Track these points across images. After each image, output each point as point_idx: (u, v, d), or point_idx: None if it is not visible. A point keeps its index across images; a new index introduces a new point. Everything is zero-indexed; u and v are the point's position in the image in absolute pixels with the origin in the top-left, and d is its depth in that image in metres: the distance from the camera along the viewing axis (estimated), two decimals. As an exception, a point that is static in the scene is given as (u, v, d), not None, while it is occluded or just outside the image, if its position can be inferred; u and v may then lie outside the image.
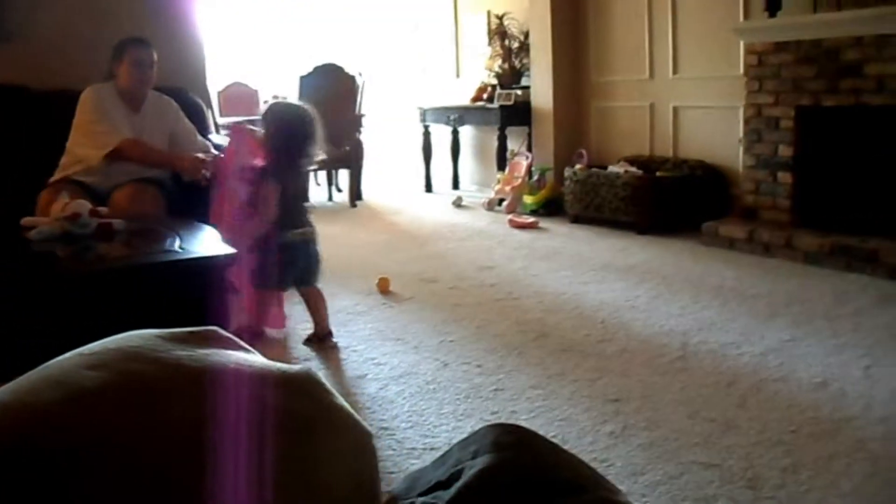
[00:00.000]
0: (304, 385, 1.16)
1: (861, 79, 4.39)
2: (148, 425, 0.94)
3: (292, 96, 6.70)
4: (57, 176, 3.63)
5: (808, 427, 2.36)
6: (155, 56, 3.73)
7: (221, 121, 5.57)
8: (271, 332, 3.39)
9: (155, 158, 3.66)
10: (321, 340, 3.27)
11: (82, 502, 0.87)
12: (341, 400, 1.15)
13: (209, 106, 4.62)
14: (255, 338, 3.16)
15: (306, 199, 3.36)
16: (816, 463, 2.14)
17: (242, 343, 1.27)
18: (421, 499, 0.93)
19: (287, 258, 3.15)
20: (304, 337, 3.32)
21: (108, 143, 3.53)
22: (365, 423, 1.17)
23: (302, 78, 6.43)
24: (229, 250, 2.76)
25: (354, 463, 1.09)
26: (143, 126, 3.71)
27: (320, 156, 3.26)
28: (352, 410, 1.15)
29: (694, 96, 5.64)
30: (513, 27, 6.91)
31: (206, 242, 2.78)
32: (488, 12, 7.20)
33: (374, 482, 1.12)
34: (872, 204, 4.50)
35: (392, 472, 2.09)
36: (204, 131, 4.16)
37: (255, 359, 1.20)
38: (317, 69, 6.51)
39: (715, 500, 1.96)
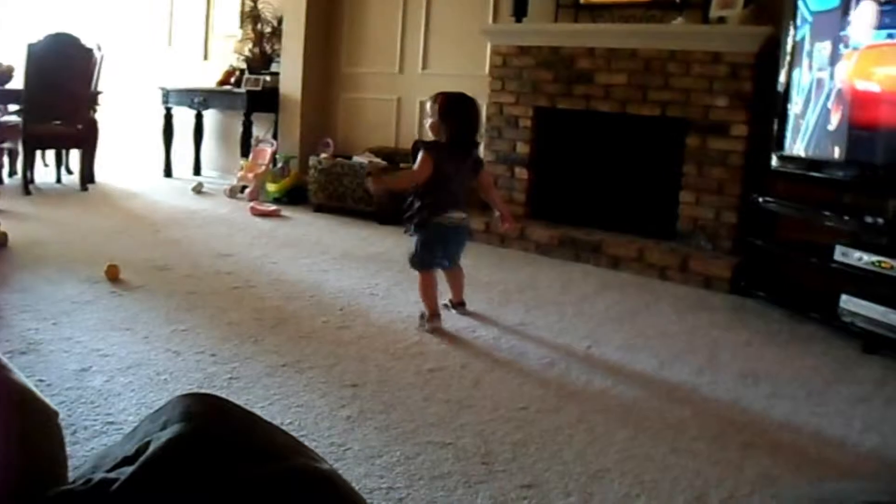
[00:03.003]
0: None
1: (592, 86, 4.72)
2: None
3: (18, 66, 6.02)
4: None
5: (537, 404, 2.47)
6: None
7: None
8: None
9: None
10: (457, 307, 3.44)
11: None
12: (22, 378, 0.99)
13: None
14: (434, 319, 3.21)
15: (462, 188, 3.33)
16: (543, 436, 2.24)
17: None
18: (101, 475, 0.81)
19: (445, 238, 3.26)
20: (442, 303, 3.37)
21: None
22: (49, 402, 1.02)
23: (30, 46, 5.79)
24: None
25: (35, 441, 0.94)
26: None
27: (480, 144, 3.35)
28: (34, 388, 1.00)
29: (440, 92, 5.77)
30: (266, 11, 6.71)
31: None
32: (242, -6, 6.95)
33: (57, 462, 0.98)
34: (598, 200, 4.86)
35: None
36: None
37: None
38: (48, 38, 5.90)
39: (450, 476, 1.97)
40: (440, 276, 3.39)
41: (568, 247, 4.60)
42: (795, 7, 3.88)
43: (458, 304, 3.46)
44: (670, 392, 2.66)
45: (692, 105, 4.41)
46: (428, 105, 3.32)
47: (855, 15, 3.49)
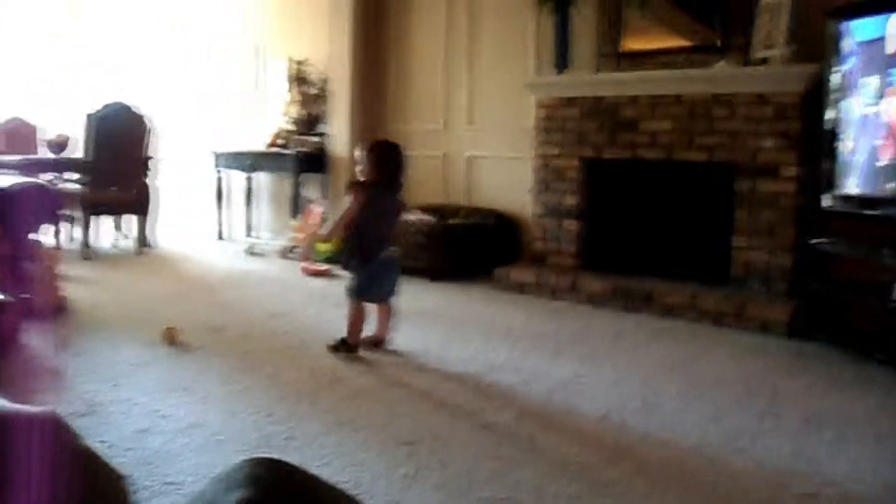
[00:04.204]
0: (46, 428, 1.01)
1: (637, 133, 4.72)
2: None
3: (77, 134, 6.27)
4: None
5: (592, 457, 2.44)
6: None
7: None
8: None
9: None
10: (377, 345, 3.66)
11: None
12: (88, 443, 1.02)
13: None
14: (351, 351, 3.55)
15: (395, 225, 3.81)
16: (599, 490, 2.20)
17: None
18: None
19: (385, 273, 3.61)
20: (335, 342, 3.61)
21: None
22: (116, 466, 1.05)
23: (89, 116, 6.04)
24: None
25: (104, 507, 0.96)
26: None
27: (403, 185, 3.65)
28: (100, 454, 1.02)
29: (487, 147, 5.84)
30: (312, 74, 6.88)
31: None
32: (289, 58, 7.13)
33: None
34: (647, 248, 4.82)
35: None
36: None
37: (-10, 401, 1.05)
38: (105, 108, 6.15)
39: (505, 534, 1.95)
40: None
41: (620, 297, 4.56)
42: (839, 41, 3.85)
43: (380, 342, 3.67)
44: (728, 442, 2.60)
45: (739, 148, 4.38)
46: (358, 152, 3.68)
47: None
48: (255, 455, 2.39)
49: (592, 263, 5.01)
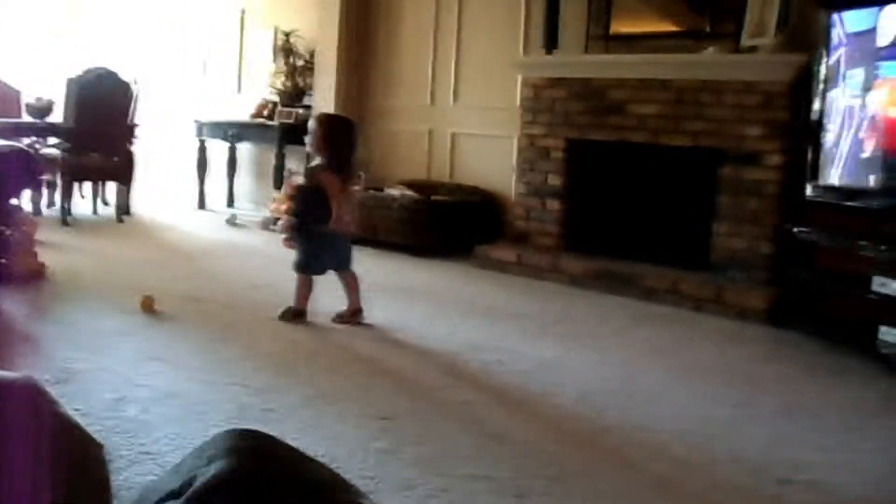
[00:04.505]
0: (26, 393, 1.00)
1: (624, 116, 4.72)
2: None
3: (58, 99, 6.17)
4: None
5: (572, 437, 2.45)
6: None
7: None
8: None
9: None
10: (353, 316, 3.64)
11: None
12: (66, 410, 1.00)
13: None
14: (298, 317, 3.62)
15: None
16: (579, 470, 2.21)
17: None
18: (150, 510, 0.82)
19: (328, 245, 3.60)
20: (334, 314, 3.65)
21: None
22: (94, 435, 1.03)
23: (70, 81, 5.94)
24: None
25: (81, 475, 0.95)
26: None
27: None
28: (77, 421, 1.01)
29: (472, 124, 5.81)
30: (299, 45, 6.81)
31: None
32: (275, 28, 7.05)
33: (103, 496, 0.99)
34: (631, 231, 4.83)
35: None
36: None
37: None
38: (88, 73, 6.04)
39: (483, 510, 1.96)
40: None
41: (602, 279, 4.57)
42: (829, 31, 3.84)
43: (356, 312, 3.67)
44: (706, 426, 2.62)
45: (725, 135, 4.39)
46: (311, 124, 3.67)
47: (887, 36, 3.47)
48: (232, 426, 2.37)
49: (575, 244, 5.01)
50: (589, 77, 4.87)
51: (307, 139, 3.67)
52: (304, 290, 3.67)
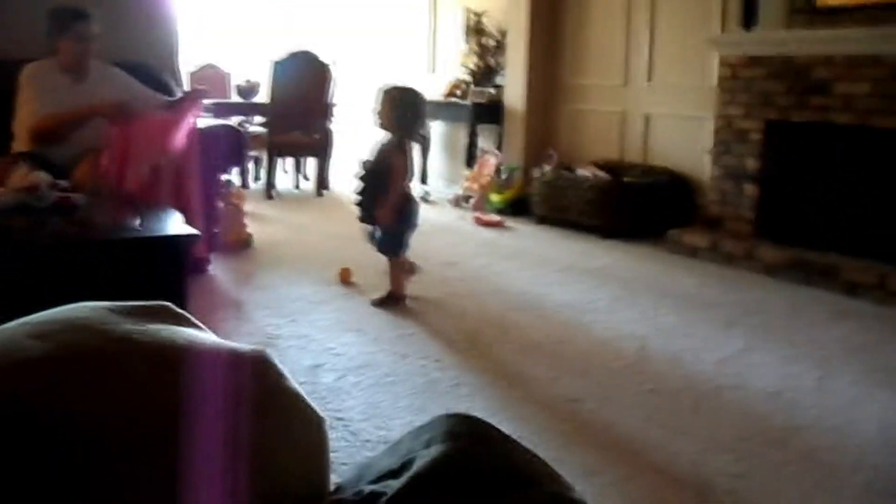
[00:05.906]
0: (256, 366, 1.12)
1: (829, 97, 4.45)
2: (91, 396, 0.91)
3: (264, 81, 6.62)
4: (16, 148, 3.55)
5: (760, 435, 2.38)
6: (97, 28, 3.65)
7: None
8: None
9: (73, 118, 3.53)
10: (397, 301, 3.65)
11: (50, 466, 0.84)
12: (294, 384, 1.12)
13: (179, 85, 4.54)
14: (399, 301, 3.65)
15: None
16: (766, 470, 2.16)
17: (195, 320, 1.24)
18: (369, 487, 0.91)
19: (412, 224, 3.67)
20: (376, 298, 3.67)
21: (31, 128, 3.48)
22: (317, 409, 1.14)
23: (275, 63, 6.37)
24: (191, 231, 2.72)
25: (305, 448, 1.06)
26: (92, 93, 3.63)
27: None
28: (304, 395, 1.12)
29: (666, 105, 5.67)
30: (490, 25, 6.90)
31: (167, 222, 2.73)
32: (466, 9, 7.17)
33: (323, 469, 1.09)
34: (833, 220, 4.56)
35: (345, 464, 2.06)
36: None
37: (206, 336, 1.17)
38: (290, 55, 6.46)
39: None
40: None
41: (798, 269, 4.35)
42: None
43: (402, 298, 3.68)
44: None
45: (948, 117, 4.04)
46: (379, 95, 3.59)
47: None
48: (421, 400, 2.51)
49: (770, 231, 4.79)
50: (791, 55, 4.62)
51: (375, 111, 3.62)
52: (403, 273, 3.71)
